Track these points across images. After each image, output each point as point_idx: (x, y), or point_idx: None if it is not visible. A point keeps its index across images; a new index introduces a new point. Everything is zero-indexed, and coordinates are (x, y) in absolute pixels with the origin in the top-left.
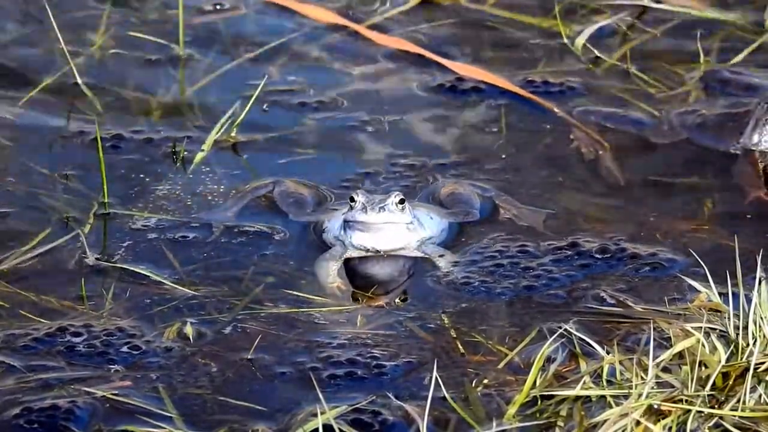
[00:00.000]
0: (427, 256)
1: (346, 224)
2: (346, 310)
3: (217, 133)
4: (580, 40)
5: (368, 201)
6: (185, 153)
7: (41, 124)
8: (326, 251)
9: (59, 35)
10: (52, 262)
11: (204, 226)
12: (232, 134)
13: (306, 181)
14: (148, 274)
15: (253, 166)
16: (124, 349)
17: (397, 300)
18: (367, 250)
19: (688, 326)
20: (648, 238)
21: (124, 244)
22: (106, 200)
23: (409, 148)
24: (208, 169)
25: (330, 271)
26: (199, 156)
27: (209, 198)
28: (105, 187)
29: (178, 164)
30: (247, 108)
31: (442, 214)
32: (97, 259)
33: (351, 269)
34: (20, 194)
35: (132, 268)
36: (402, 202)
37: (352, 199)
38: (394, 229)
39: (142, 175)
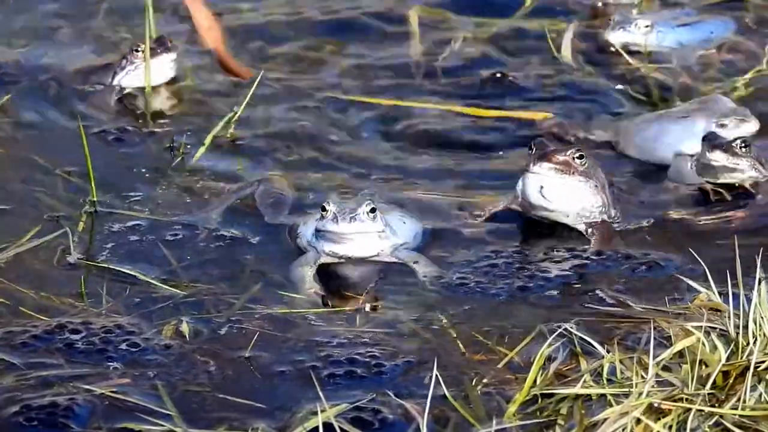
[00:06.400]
0: (401, 261)
1: (318, 233)
2: (336, 313)
3: (217, 129)
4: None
5: (339, 211)
6: (185, 149)
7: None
8: (300, 256)
9: None
10: (35, 260)
11: (190, 227)
12: (231, 131)
13: (290, 179)
14: (135, 273)
15: (251, 163)
16: (123, 346)
17: (372, 305)
18: (340, 258)
19: (689, 325)
20: None
21: (109, 244)
22: (94, 198)
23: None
24: (206, 165)
25: (305, 277)
26: (199, 152)
27: (207, 195)
28: (92, 184)
29: (176, 161)
30: (243, 104)
31: (416, 217)
32: (79, 258)
33: (327, 274)
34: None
35: (118, 268)
36: (373, 211)
37: (324, 209)
38: (366, 238)
39: (142, 171)
